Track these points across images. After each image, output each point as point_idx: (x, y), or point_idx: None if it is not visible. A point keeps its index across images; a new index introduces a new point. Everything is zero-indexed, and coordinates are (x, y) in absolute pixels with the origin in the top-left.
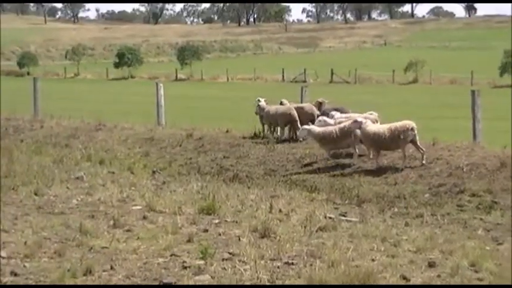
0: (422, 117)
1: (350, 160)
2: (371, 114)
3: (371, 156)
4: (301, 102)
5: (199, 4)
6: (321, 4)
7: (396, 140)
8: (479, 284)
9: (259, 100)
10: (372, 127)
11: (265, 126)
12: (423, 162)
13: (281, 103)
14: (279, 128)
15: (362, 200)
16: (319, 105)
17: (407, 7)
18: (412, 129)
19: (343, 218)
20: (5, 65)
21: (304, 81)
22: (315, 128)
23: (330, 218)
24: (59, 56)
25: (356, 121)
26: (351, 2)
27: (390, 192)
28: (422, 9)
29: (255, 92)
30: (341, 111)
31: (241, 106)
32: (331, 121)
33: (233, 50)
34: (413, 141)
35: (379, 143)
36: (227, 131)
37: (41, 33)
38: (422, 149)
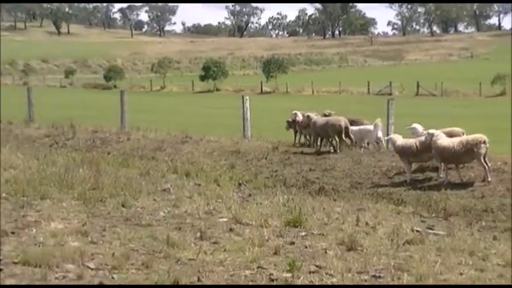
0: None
1: (436, 173)
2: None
3: (442, 170)
4: (388, 115)
5: (284, 17)
6: (407, 16)
7: (469, 153)
8: None
9: (295, 114)
10: (444, 140)
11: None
12: (489, 179)
13: (325, 114)
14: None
15: (448, 213)
16: (324, 117)
17: (494, 19)
18: (484, 142)
19: (430, 231)
20: (92, 78)
21: (390, 94)
22: (396, 139)
23: (417, 231)
24: (145, 69)
25: (429, 133)
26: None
27: (477, 205)
28: (509, 22)
29: (341, 105)
30: (357, 123)
31: None
32: (420, 130)
33: (318, 63)
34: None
35: (449, 156)
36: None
37: (127, 46)
38: (488, 165)
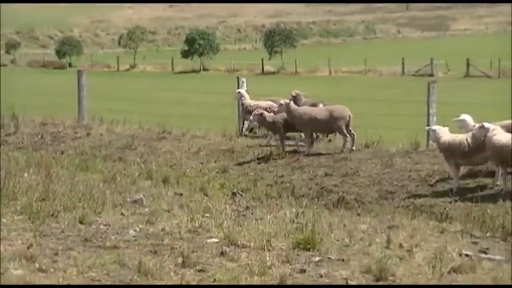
0: None
1: (491, 179)
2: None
3: (500, 175)
4: (428, 102)
5: None
6: None
7: None
8: None
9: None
10: (502, 136)
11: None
12: None
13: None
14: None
15: (508, 232)
16: (294, 98)
17: None
18: None
19: (483, 255)
20: (41, 53)
21: (431, 75)
22: (441, 133)
23: (466, 255)
24: (110, 43)
25: (481, 127)
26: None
27: None
28: None
29: (367, 90)
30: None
31: (352, 109)
32: (470, 123)
33: (337, 34)
34: None
35: (509, 157)
36: (329, 141)
37: (86, 12)
38: None
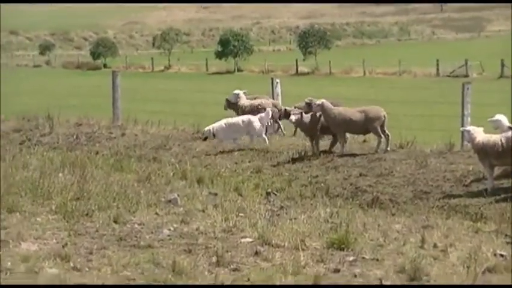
0: None
1: None
2: None
3: None
4: (463, 103)
5: None
6: None
7: None
8: None
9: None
10: None
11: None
12: None
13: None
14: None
15: None
16: (308, 105)
17: None
18: None
19: None
20: (75, 54)
21: (466, 76)
22: (476, 134)
23: (501, 255)
24: (144, 44)
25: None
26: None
27: None
28: None
29: (402, 91)
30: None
31: (387, 110)
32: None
33: (371, 36)
34: None
35: None
36: (364, 141)
37: (121, 14)
38: None
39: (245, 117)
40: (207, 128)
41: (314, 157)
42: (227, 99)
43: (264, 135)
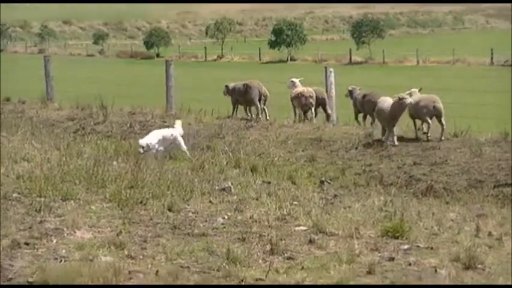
0: None
1: None
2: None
3: None
4: None
5: None
6: None
7: None
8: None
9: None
10: None
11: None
12: None
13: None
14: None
15: None
16: (350, 92)
17: None
18: None
19: None
20: (129, 44)
21: None
22: None
23: None
24: (197, 34)
25: None
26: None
27: None
28: None
29: (456, 80)
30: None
31: (441, 99)
32: None
33: (425, 25)
34: None
35: None
36: (418, 129)
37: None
38: None
39: (172, 131)
40: (144, 143)
41: (367, 145)
42: (226, 86)
43: (184, 147)
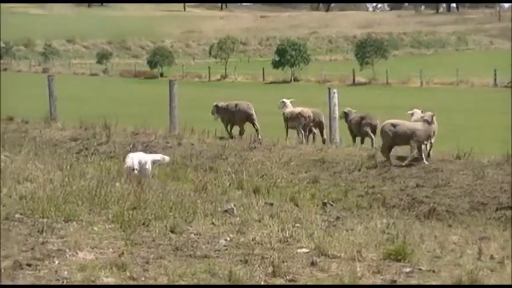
0: None
1: None
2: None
3: None
4: None
5: None
6: None
7: None
8: None
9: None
10: None
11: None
12: None
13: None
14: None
15: None
16: (345, 114)
17: None
18: None
19: None
20: (132, 63)
21: None
22: None
23: None
24: (201, 53)
25: None
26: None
27: None
28: None
29: (459, 101)
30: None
31: (444, 120)
32: None
33: (429, 45)
34: None
35: None
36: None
37: (178, 22)
38: None
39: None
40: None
41: (371, 167)
42: (216, 105)
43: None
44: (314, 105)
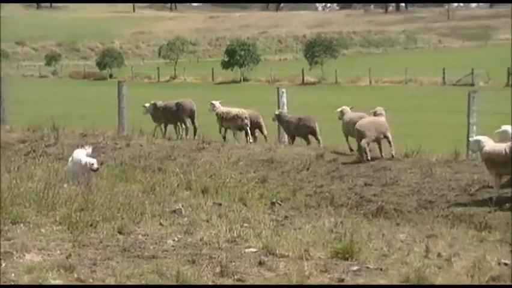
0: None
1: None
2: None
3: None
4: (469, 112)
5: None
6: None
7: None
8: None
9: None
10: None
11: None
12: None
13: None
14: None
15: None
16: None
17: None
18: None
19: None
20: (82, 65)
21: (472, 85)
22: (485, 143)
23: (505, 264)
24: (150, 54)
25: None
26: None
27: None
28: None
29: (408, 100)
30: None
31: (392, 119)
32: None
33: (378, 44)
34: None
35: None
36: (369, 150)
37: (127, 24)
38: None
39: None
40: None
41: (319, 167)
42: (154, 103)
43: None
44: (267, 104)
